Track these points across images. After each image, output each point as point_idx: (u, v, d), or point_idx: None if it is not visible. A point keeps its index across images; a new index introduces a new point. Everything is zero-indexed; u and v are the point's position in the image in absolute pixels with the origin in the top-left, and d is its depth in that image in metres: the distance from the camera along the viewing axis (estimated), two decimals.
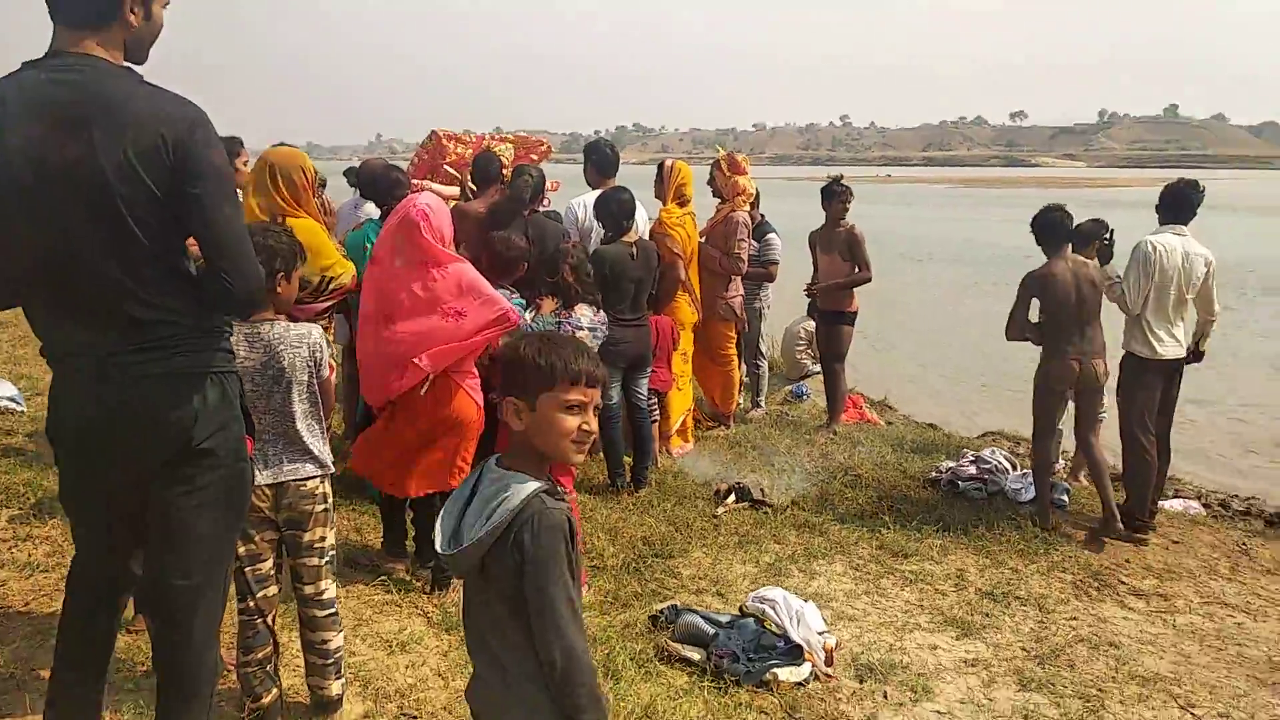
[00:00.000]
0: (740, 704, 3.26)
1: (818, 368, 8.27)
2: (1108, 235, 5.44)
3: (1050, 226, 5.25)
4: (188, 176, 1.99)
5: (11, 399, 6.03)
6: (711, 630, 3.56)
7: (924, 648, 3.84)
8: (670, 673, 3.43)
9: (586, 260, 4.31)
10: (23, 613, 3.35)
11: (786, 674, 3.39)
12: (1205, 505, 6.64)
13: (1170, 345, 5.06)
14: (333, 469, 2.78)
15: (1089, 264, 5.21)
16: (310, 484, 2.69)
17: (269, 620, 2.69)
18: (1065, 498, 5.53)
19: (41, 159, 1.90)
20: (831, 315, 6.99)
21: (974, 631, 4.01)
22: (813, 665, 3.47)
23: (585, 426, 1.79)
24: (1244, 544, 5.35)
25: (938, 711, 3.37)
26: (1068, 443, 6.09)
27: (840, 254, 6.82)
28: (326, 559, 2.76)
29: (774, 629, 3.57)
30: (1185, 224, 5.11)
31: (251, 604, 2.66)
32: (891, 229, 32.89)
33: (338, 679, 2.82)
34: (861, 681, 3.53)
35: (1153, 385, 5.11)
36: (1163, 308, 5.02)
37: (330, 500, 2.78)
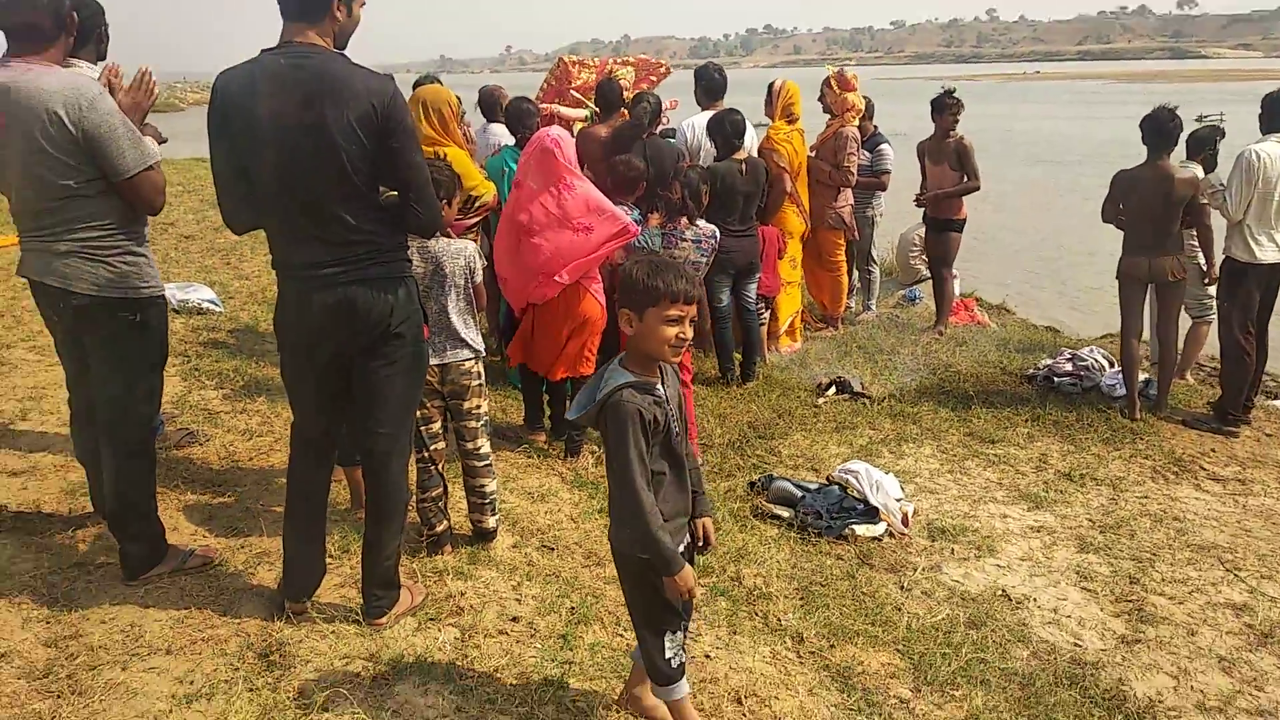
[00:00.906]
0: (820, 551, 3.86)
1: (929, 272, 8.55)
2: (1215, 144, 5.53)
3: (1155, 129, 5.38)
4: (390, 133, 2.63)
5: (211, 301, 7.05)
6: (800, 493, 4.16)
7: (995, 516, 4.32)
8: (763, 527, 4.06)
9: (699, 180, 4.81)
10: (247, 466, 4.25)
11: (863, 530, 3.96)
12: None
13: (1270, 250, 5.20)
14: (484, 352, 3.48)
15: (1184, 171, 5.35)
16: (467, 364, 3.40)
17: (440, 468, 3.45)
18: (1154, 391, 5.76)
19: (285, 123, 2.56)
20: (941, 223, 7.26)
21: (1045, 505, 4.45)
22: (888, 525, 4.03)
23: (681, 335, 2.25)
24: None
25: (997, 565, 3.88)
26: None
27: (950, 164, 7.06)
28: (482, 421, 3.49)
29: (855, 495, 4.13)
30: None
31: (426, 454, 3.42)
32: (1028, 129, 31.58)
33: (493, 515, 3.58)
34: (933, 540, 4.06)
35: (1252, 287, 5.27)
36: (1265, 214, 5.14)
37: (483, 377, 3.49)
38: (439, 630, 3.02)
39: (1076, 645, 3.32)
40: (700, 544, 2.50)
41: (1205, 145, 5.98)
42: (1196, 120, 26.97)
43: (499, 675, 2.79)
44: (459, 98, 6.28)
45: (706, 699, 2.78)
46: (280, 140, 2.56)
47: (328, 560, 3.33)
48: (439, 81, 6.09)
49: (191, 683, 2.68)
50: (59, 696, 2.60)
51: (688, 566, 2.28)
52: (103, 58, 3.42)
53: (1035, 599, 3.61)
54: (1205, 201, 5.38)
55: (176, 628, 2.95)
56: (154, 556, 3.22)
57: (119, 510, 3.12)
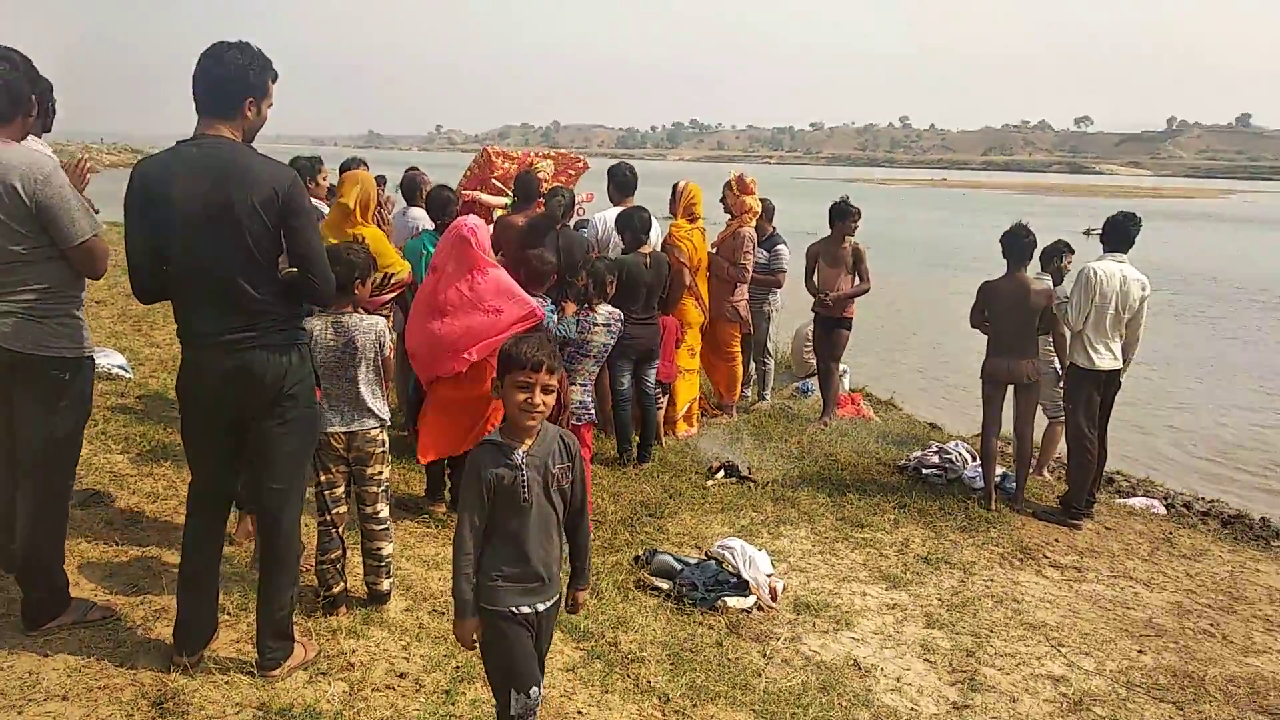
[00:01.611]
0: (694, 621, 4.19)
1: None
2: (1063, 258, 6.25)
3: (1012, 244, 6.05)
4: (290, 215, 2.99)
5: (121, 367, 7.14)
6: (679, 567, 4.50)
7: (856, 594, 4.73)
8: (644, 597, 4.37)
9: (604, 271, 5.23)
10: (150, 527, 4.39)
11: (734, 602, 4.31)
12: (1169, 505, 7.39)
13: (1106, 358, 5.86)
14: (389, 421, 3.77)
15: (1039, 282, 6.02)
16: (372, 432, 3.69)
17: (340, 531, 3.69)
18: (1012, 485, 6.32)
19: (196, 204, 2.89)
20: (833, 321, 7.84)
21: (902, 585, 4.88)
22: (757, 598, 4.39)
23: (529, 400, 2.45)
24: (1170, 533, 6.12)
25: (852, 637, 4.26)
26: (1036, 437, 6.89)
27: (845, 267, 7.68)
28: (383, 488, 3.77)
29: (730, 569, 4.49)
30: (1125, 252, 5.89)
31: (328, 517, 3.67)
32: (933, 235, 33.45)
33: (388, 579, 3.83)
34: (797, 614, 4.43)
35: (1091, 392, 5.91)
36: (1101, 325, 5.81)
37: (386, 445, 3.78)
38: (329, 684, 3.23)
39: (913, 710, 3.70)
40: (569, 607, 2.77)
41: (1054, 259, 6.72)
42: (1084, 234, 29.28)
43: None
44: (383, 176, 6.69)
45: None
46: (191, 219, 2.89)
47: (226, 617, 3.53)
48: (364, 164, 6.47)
49: None
50: None
51: (470, 620, 2.50)
52: (48, 130, 3.69)
53: (882, 668, 4.00)
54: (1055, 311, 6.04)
55: (74, 676, 3.10)
56: (57, 608, 3.36)
57: (30, 558, 3.28)
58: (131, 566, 3.94)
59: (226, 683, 3.12)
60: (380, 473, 3.75)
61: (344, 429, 3.64)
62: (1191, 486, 8.39)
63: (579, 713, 3.28)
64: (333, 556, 3.68)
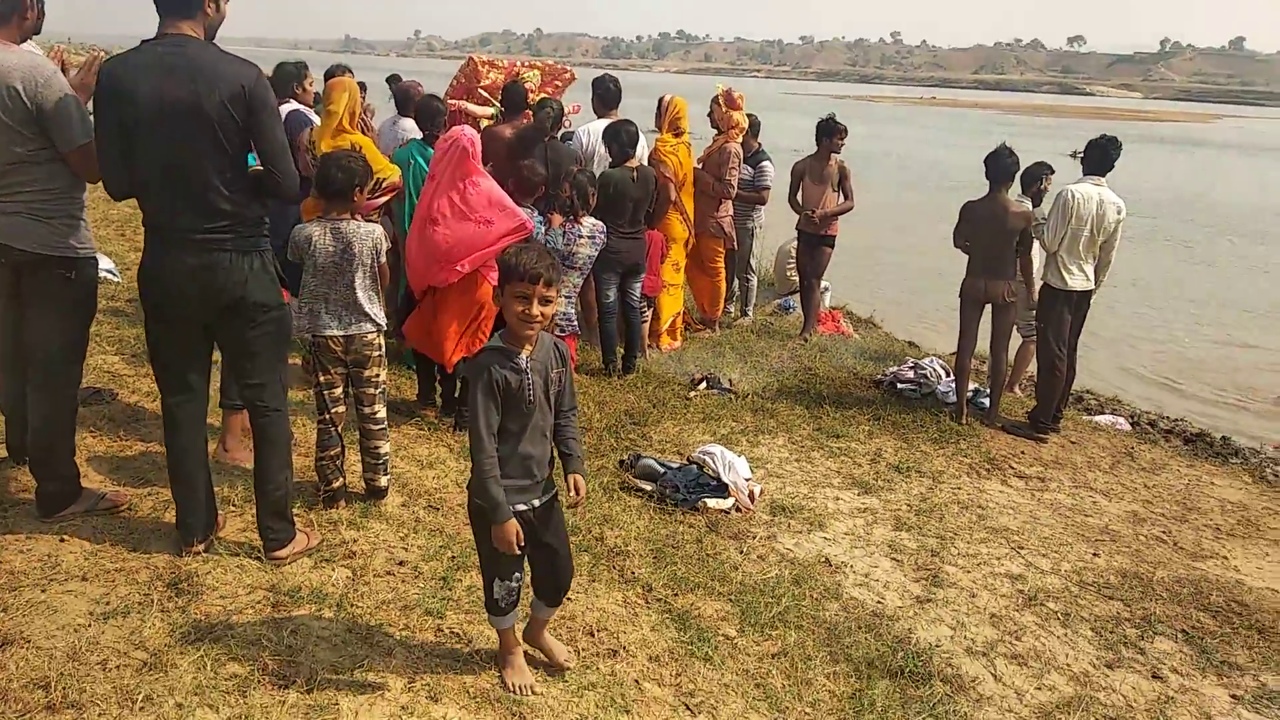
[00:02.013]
0: (675, 520, 4.43)
1: None
2: (1043, 180, 6.38)
3: (994, 165, 6.15)
4: (255, 110, 3.05)
5: (109, 271, 7.18)
6: (662, 470, 4.72)
7: (829, 499, 4.97)
8: (628, 498, 4.60)
9: (588, 183, 5.30)
10: (151, 422, 4.53)
11: (714, 503, 4.54)
12: (1134, 423, 7.67)
13: (1079, 279, 6.03)
14: (385, 326, 3.90)
15: (1017, 204, 6.14)
16: (370, 336, 3.82)
17: (339, 430, 3.86)
18: (985, 401, 6.56)
19: (163, 101, 2.95)
20: (817, 239, 7.96)
21: (873, 491, 5.13)
22: (736, 500, 4.62)
23: (526, 312, 2.54)
24: (1131, 448, 6.40)
25: (825, 538, 4.51)
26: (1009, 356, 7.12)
27: (831, 185, 7.77)
28: (380, 389, 3.92)
29: (710, 473, 4.71)
30: (1103, 175, 6.01)
31: (327, 416, 3.83)
32: (919, 155, 33.32)
33: (385, 475, 4.01)
34: (773, 516, 4.67)
35: (1063, 311, 6.10)
36: (1075, 247, 5.97)
37: (383, 349, 3.92)
38: (332, 569, 3.43)
39: (879, 603, 3.96)
40: (572, 495, 2.84)
41: (1034, 180, 6.84)
42: (1071, 156, 29.08)
43: (385, 607, 3.23)
44: (363, 83, 6.67)
45: (565, 631, 3.29)
46: (160, 117, 2.95)
47: (232, 508, 3.72)
48: (349, 72, 6.44)
49: (107, 604, 3.03)
50: None
51: (512, 521, 2.61)
52: (38, 32, 3.70)
53: (852, 565, 4.26)
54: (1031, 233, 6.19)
55: (91, 559, 3.28)
56: (69, 496, 3.53)
57: (42, 450, 3.43)
58: (137, 460, 4.10)
59: (237, 566, 3.32)
60: (377, 375, 3.89)
61: (342, 332, 3.77)
62: (1160, 406, 8.68)
63: (568, 598, 3.50)
64: (332, 453, 3.85)
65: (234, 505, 3.75)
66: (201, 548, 3.38)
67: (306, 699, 2.69)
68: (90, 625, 2.91)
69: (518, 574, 2.80)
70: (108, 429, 4.38)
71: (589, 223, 5.17)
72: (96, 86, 2.99)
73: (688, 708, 3.00)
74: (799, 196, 7.88)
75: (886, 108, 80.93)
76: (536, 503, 2.76)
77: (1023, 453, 6.01)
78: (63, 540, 3.37)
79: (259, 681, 2.73)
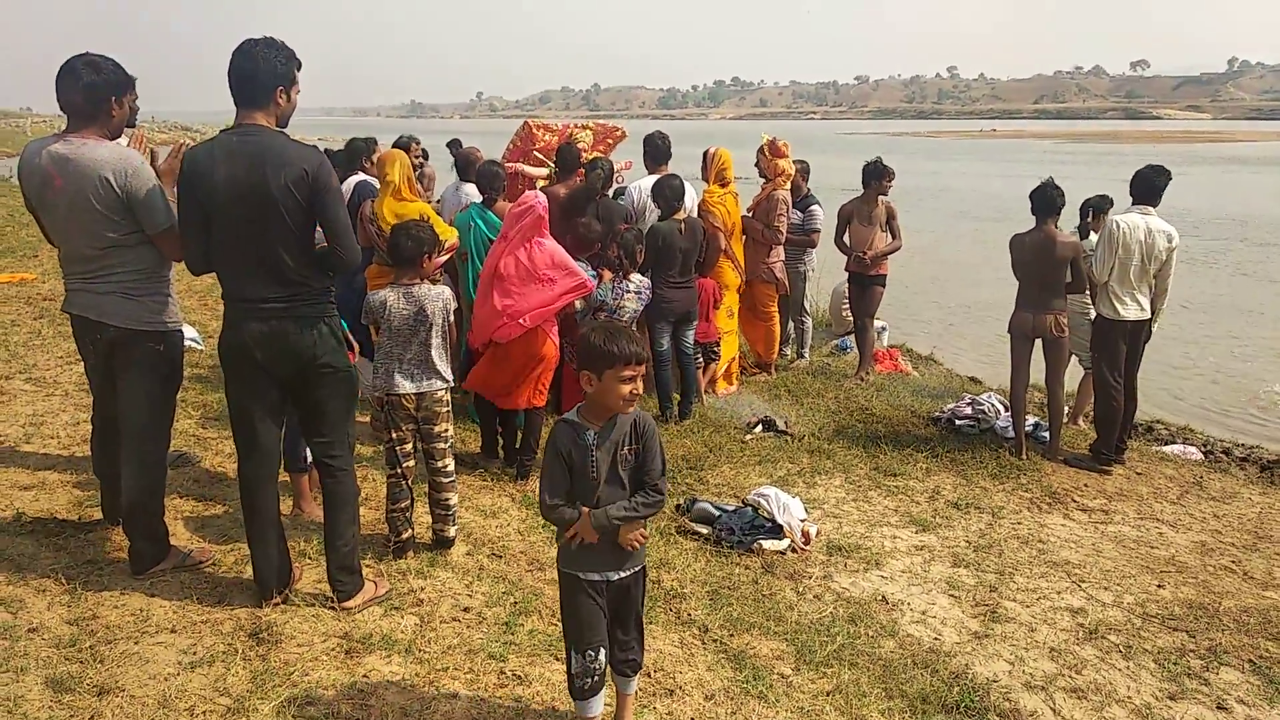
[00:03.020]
0: (731, 562, 4.51)
1: None
2: (1088, 218, 6.39)
3: (1039, 200, 6.19)
4: (318, 191, 3.32)
5: (193, 339, 7.62)
6: (717, 513, 4.82)
7: (887, 537, 5.00)
8: (684, 542, 4.70)
9: (634, 241, 5.51)
10: (233, 482, 4.78)
11: (769, 544, 4.62)
12: (1207, 452, 7.50)
13: (1132, 309, 6.00)
14: (452, 382, 4.12)
15: (1065, 236, 6.15)
16: (439, 393, 4.05)
17: (409, 483, 4.07)
18: (1046, 435, 6.51)
19: (235, 184, 3.24)
20: (868, 279, 8.02)
21: (931, 528, 5.14)
22: (791, 541, 4.69)
23: (634, 391, 2.66)
24: (1201, 477, 6.28)
25: (881, 576, 4.54)
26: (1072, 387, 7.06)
27: (880, 225, 7.87)
28: (448, 443, 4.13)
29: (765, 515, 4.79)
30: (1153, 205, 6.00)
31: (398, 471, 4.04)
32: (978, 188, 33.02)
33: (453, 526, 4.20)
34: (829, 555, 4.72)
35: (1117, 342, 6.07)
36: (1125, 277, 5.95)
37: (450, 405, 4.13)
38: (401, 616, 3.61)
39: (936, 639, 3.98)
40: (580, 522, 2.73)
41: (1096, 213, 6.83)
42: None
43: (451, 652, 3.39)
44: (420, 143, 7.09)
45: None
46: (233, 200, 3.24)
47: (308, 561, 3.93)
48: (417, 141, 6.81)
49: (194, 654, 3.25)
50: (84, 662, 3.16)
51: (584, 515, 2.67)
52: (132, 125, 4.05)
53: (908, 603, 4.28)
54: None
55: (179, 612, 3.52)
56: (159, 554, 3.79)
57: (134, 511, 3.70)
58: (220, 519, 4.36)
59: (313, 616, 3.52)
60: (446, 430, 4.11)
61: (414, 390, 4.00)
62: (1236, 434, 8.44)
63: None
64: (402, 506, 4.06)
65: (309, 558, 3.97)
66: (279, 599, 3.59)
67: None
68: (179, 674, 3.13)
69: (594, 651, 2.77)
70: (193, 490, 4.67)
71: (636, 279, 5.36)
72: (180, 172, 3.30)
73: None
74: (846, 238, 7.98)
75: (945, 142, 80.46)
76: (614, 576, 2.78)
77: (1086, 485, 5.94)
78: (153, 595, 3.62)
79: None
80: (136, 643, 3.30)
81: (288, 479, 4.43)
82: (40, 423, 5.51)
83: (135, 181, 3.45)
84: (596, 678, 2.80)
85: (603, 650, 2.79)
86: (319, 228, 3.40)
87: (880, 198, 7.90)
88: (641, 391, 2.71)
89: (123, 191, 3.44)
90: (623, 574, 2.80)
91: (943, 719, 3.36)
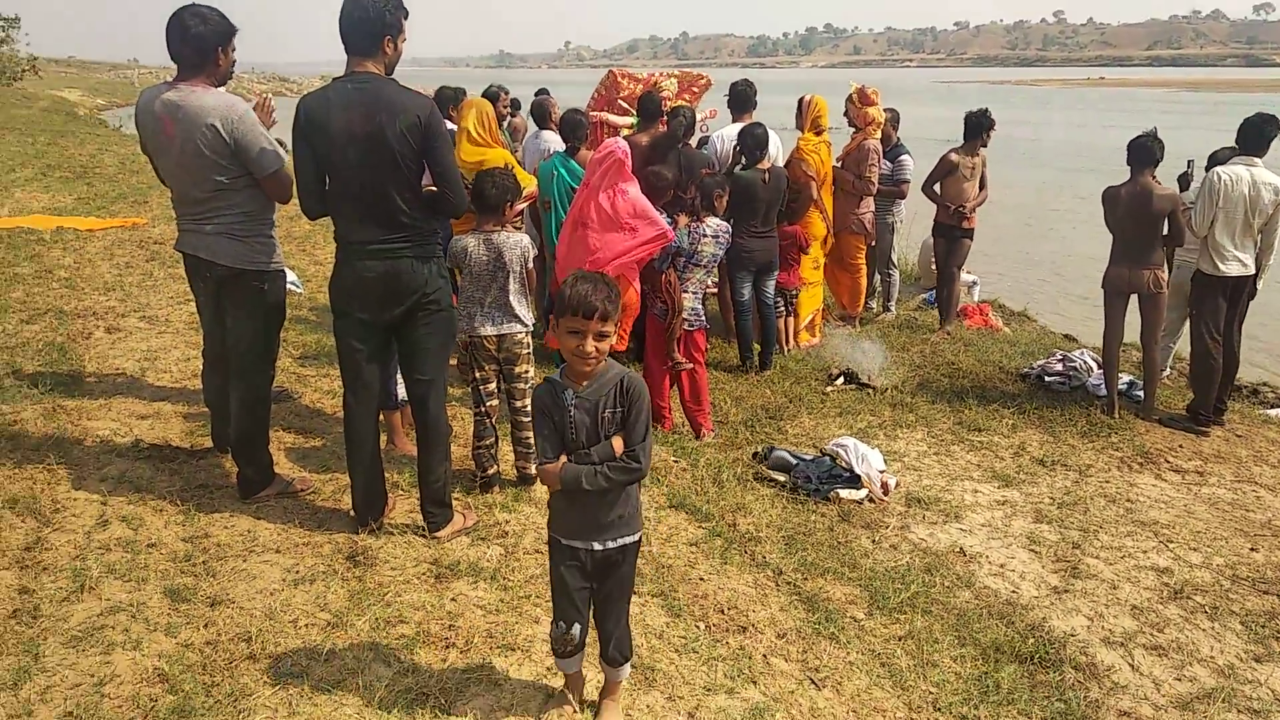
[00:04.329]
0: (808, 509, 4.56)
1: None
2: (1188, 168, 6.11)
3: (1136, 150, 5.96)
4: (429, 138, 3.42)
5: (293, 283, 7.92)
6: (795, 461, 4.86)
7: (968, 491, 4.97)
8: (761, 488, 4.77)
9: (714, 186, 5.51)
10: (332, 418, 5.05)
11: (847, 493, 4.65)
12: None
13: (1234, 264, 5.75)
14: (532, 325, 4.24)
15: (1162, 188, 5.89)
16: (519, 335, 4.16)
17: (493, 422, 4.21)
18: (1141, 394, 6.32)
19: (351, 132, 3.35)
20: (960, 232, 7.79)
21: (1015, 484, 5.08)
22: (869, 491, 4.70)
23: (580, 348, 2.36)
24: None
25: (960, 529, 4.53)
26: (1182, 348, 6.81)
27: (978, 178, 7.64)
28: (528, 384, 4.25)
29: (843, 465, 4.81)
30: (1259, 156, 5.71)
31: (482, 409, 4.19)
32: (1074, 139, 31.64)
33: (533, 463, 4.32)
34: (908, 507, 4.73)
35: (1217, 298, 5.83)
36: (1229, 231, 5.70)
37: (530, 347, 4.25)
38: (487, 547, 3.77)
39: (1013, 592, 3.98)
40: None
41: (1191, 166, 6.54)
42: None
43: (533, 580, 3.53)
44: (510, 93, 7.14)
45: (697, 608, 3.49)
46: (349, 146, 3.35)
47: (401, 492, 4.12)
48: (506, 91, 6.91)
49: (297, 572, 3.46)
50: (198, 575, 3.40)
51: (559, 463, 2.48)
52: (230, 77, 4.22)
53: (987, 556, 4.27)
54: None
55: (283, 534, 3.74)
56: (264, 481, 4.02)
57: (241, 440, 3.93)
58: (320, 451, 4.60)
59: (405, 543, 3.70)
60: (526, 371, 4.23)
61: (495, 332, 4.13)
62: None
63: (701, 578, 3.71)
64: (487, 443, 4.21)
65: (402, 490, 4.16)
66: (374, 527, 3.78)
67: (464, 658, 3.01)
68: (283, 590, 3.34)
69: (565, 624, 2.64)
70: (294, 423, 4.92)
71: (714, 223, 5.37)
72: (295, 121, 3.43)
73: (813, 682, 3.15)
74: (937, 188, 7.75)
75: (1048, 92, 77.08)
76: (597, 546, 2.57)
77: (1180, 446, 5.77)
78: (259, 518, 3.85)
79: (424, 641, 3.07)
80: (245, 560, 3.53)
81: (383, 416, 4.63)
82: (154, 358, 5.84)
83: (241, 127, 3.61)
84: (570, 647, 2.68)
85: (576, 626, 2.64)
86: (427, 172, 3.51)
87: (981, 150, 7.66)
88: (603, 353, 2.44)
89: (230, 137, 3.61)
90: (607, 545, 2.57)
91: (1015, 669, 3.37)
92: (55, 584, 3.23)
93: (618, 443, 2.50)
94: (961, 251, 7.85)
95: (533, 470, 4.34)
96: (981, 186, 7.67)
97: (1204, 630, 3.73)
